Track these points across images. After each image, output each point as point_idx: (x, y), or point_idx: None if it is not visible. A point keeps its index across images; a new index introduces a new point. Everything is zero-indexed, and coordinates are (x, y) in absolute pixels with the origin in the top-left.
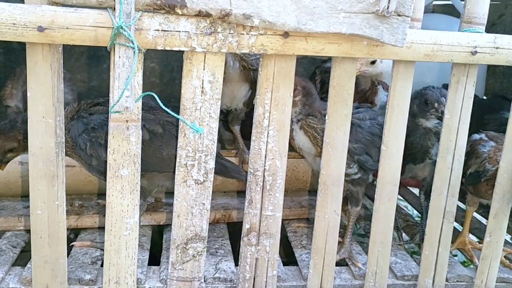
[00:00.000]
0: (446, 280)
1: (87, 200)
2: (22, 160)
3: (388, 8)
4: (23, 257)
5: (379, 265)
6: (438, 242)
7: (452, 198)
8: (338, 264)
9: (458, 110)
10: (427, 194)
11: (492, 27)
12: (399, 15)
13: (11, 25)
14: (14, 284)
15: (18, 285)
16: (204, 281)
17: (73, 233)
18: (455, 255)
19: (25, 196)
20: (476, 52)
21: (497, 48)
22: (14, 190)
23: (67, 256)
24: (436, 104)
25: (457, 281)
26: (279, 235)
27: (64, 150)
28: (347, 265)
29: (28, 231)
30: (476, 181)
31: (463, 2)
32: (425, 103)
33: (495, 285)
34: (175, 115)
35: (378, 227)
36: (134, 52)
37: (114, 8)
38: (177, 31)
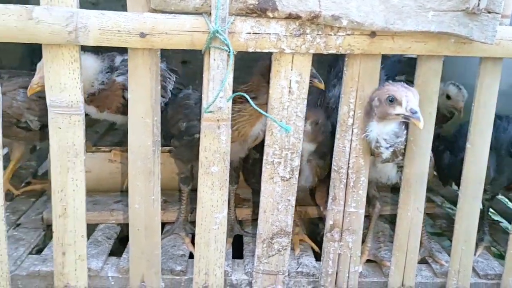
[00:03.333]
0: None
1: (170, 195)
2: (111, 158)
3: (478, 5)
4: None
5: (462, 264)
6: None
7: None
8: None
9: None
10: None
11: None
12: (489, 12)
13: (116, 32)
14: (112, 273)
15: (116, 274)
16: (288, 275)
17: None
18: None
19: (114, 191)
20: None
21: None
22: (105, 186)
23: None
24: None
25: None
26: (362, 232)
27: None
28: (425, 262)
29: (119, 224)
30: None
31: None
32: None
33: None
34: (266, 114)
35: (461, 225)
36: (228, 54)
37: (210, 14)
38: (267, 33)
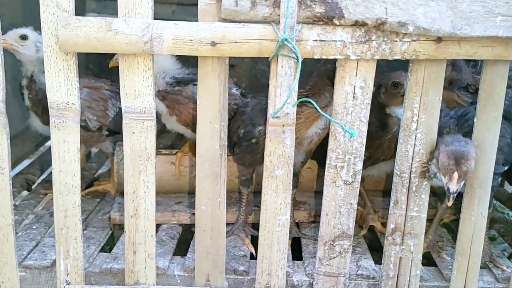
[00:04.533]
0: None
1: (228, 197)
2: (172, 160)
3: None
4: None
5: None
6: None
7: None
8: None
9: None
10: None
11: None
12: None
13: (188, 41)
14: (178, 272)
15: (182, 272)
16: (348, 277)
17: None
18: None
19: (174, 192)
20: None
21: None
22: (166, 187)
23: None
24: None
25: None
26: (423, 236)
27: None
28: (484, 267)
29: (180, 224)
30: None
31: None
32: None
33: None
34: (331, 118)
35: None
36: (296, 62)
37: (278, 22)
38: (333, 40)
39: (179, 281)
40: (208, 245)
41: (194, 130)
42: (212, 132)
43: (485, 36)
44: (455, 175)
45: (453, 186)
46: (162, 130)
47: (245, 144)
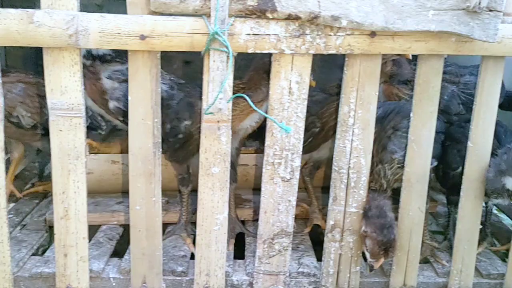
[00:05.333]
0: None
1: (172, 196)
2: (113, 159)
3: (479, 3)
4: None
5: (465, 263)
6: None
7: None
8: None
9: None
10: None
11: None
12: (490, 11)
13: (116, 35)
14: (113, 274)
15: (117, 275)
16: (289, 275)
17: None
18: None
19: (116, 192)
20: None
21: None
22: (106, 187)
23: None
24: None
25: None
26: None
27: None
28: (427, 262)
29: (121, 225)
30: None
31: None
32: None
33: None
34: (266, 114)
35: (464, 225)
36: (228, 56)
37: (209, 15)
38: (267, 34)
39: (114, 284)
40: (143, 246)
41: (101, 106)
42: (144, 129)
43: (418, 31)
44: (382, 260)
45: (376, 266)
46: (112, 129)
47: (172, 140)
